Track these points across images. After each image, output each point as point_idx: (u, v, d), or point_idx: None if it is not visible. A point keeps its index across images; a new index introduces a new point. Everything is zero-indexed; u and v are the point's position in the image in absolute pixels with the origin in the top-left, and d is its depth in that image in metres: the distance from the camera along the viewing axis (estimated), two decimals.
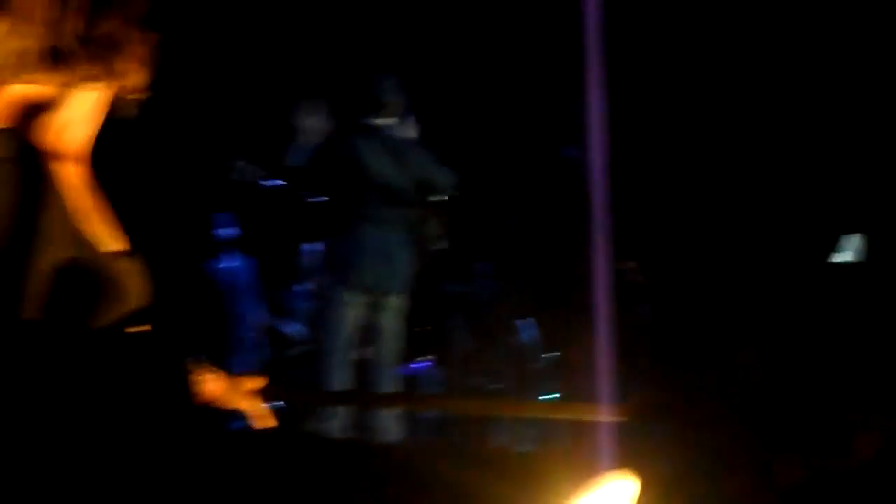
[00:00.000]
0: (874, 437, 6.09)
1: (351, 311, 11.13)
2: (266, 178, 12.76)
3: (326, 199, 11.41)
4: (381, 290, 11.16)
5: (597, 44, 10.61)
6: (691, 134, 12.79)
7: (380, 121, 11.16)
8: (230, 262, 13.69)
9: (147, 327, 3.48)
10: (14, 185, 3.19)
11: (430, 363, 14.32)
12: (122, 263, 3.44)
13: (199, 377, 3.33)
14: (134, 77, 3.42)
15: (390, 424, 10.97)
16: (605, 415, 6.21)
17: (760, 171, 11.69)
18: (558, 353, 13.93)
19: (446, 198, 11.49)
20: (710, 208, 10.59)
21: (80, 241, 3.33)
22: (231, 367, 12.59)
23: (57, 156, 3.34)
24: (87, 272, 3.34)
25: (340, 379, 11.00)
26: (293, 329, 14.32)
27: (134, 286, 3.47)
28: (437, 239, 11.51)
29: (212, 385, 3.84)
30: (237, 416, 4.06)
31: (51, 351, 2.91)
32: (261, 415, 4.13)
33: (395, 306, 11.34)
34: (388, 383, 11.38)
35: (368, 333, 11.34)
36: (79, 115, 3.40)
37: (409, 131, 11.52)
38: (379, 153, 11.01)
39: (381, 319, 11.28)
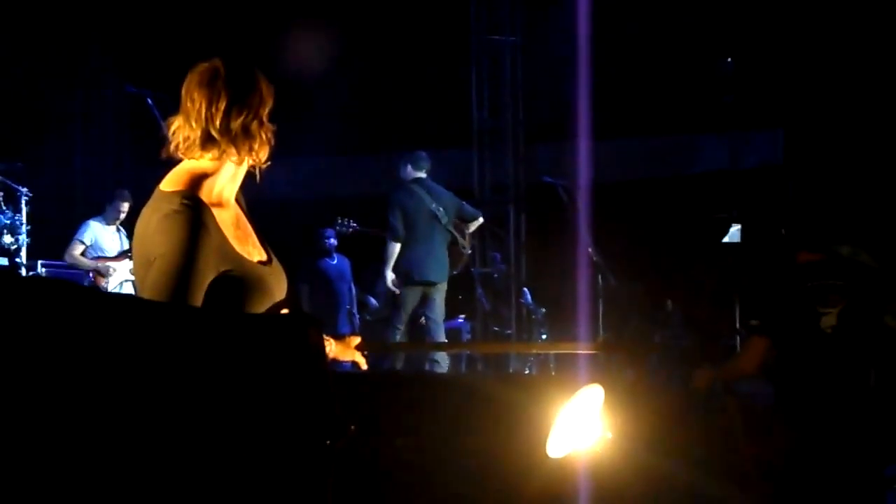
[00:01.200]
0: None
1: (410, 295, 11.07)
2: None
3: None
4: (432, 279, 10.94)
5: None
6: None
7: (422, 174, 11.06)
8: (335, 259, 13.54)
9: (286, 311, 3.74)
10: (183, 226, 3.44)
11: (462, 320, 14.39)
12: (266, 269, 3.70)
13: (323, 339, 3.20)
14: (262, 154, 3.70)
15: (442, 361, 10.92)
16: (582, 348, 6.40)
17: None
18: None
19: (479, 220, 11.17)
20: None
21: (234, 258, 3.58)
22: (340, 329, 12.73)
23: (214, 205, 3.61)
24: (240, 280, 3.56)
25: (403, 336, 11.02)
26: (373, 303, 14.29)
27: (276, 285, 3.74)
28: (467, 248, 11.09)
29: (330, 346, 3.98)
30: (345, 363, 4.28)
31: (216, 334, 2.78)
32: (360, 361, 4.37)
33: (441, 290, 11.00)
34: (441, 336, 11.27)
35: (424, 306, 11.05)
36: (226, 178, 3.68)
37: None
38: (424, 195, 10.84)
39: (434, 296, 11.00)
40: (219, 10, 15.12)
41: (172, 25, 15.01)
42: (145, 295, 3.49)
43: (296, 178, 15.50)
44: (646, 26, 14.51)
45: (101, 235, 11.31)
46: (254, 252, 3.72)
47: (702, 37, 14.39)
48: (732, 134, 15.00)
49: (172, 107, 3.73)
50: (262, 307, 3.63)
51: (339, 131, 15.96)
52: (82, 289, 2.34)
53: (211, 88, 3.62)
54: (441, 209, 10.77)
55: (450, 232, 10.85)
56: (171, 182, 3.61)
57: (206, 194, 3.60)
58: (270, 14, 15.12)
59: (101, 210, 11.51)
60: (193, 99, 3.63)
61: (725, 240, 10.42)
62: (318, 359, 2.68)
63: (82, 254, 11.18)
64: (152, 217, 3.54)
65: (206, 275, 3.50)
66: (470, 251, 11.10)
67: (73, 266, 11.22)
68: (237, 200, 3.80)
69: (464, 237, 10.97)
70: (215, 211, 3.60)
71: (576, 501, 4.16)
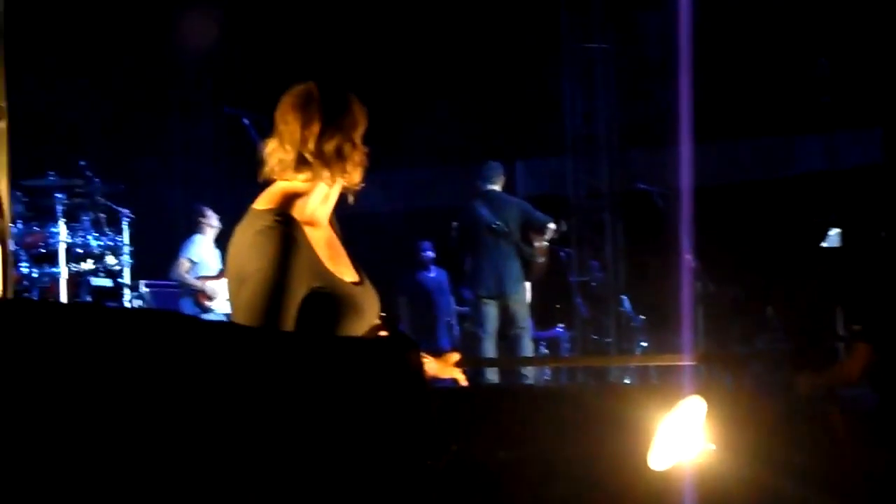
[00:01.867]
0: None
1: (485, 309, 10.98)
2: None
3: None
4: (503, 292, 10.86)
5: None
6: None
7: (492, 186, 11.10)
8: (433, 272, 13.59)
9: (384, 333, 3.77)
10: (275, 242, 3.49)
11: (561, 328, 14.37)
12: (358, 289, 3.72)
13: (423, 361, 3.20)
14: (355, 176, 3.73)
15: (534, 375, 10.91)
16: (682, 360, 6.37)
17: None
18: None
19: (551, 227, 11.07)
20: None
21: (325, 276, 3.61)
22: (439, 341, 12.75)
23: (306, 223, 3.64)
24: (331, 297, 3.60)
25: (493, 350, 11.02)
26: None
27: (368, 305, 3.77)
28: (538, 256, 11.00)
29: (429, 364, 3.96)
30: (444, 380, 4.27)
31: (317, 359, 2.86)
32: (459, 378, 4.32)
33: (517, 301, 10.93)
34: (528, 347, 11.21)
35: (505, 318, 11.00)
36: (319, 199, 3.71)
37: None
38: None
39: (512, 309, 10.95)
40: (315, 30, 15.23)
41: (269, 47, 15.16)
42: (239, 313, 3.55)
43: (391, 190, 15.56)
44: (739, 29, 14.39)
45: (204, 251, 11.45)
46: (346, 272, 3.75)
47: (797, 38, 14.24)
48: (830, 134, 14.83)
49: (268, 128, 3.77)
50: (354, 327, 3.65)
51: (434, 143, 16.01)
52: (186, 318, 2.36)
53: (305, 111, 3.67)
54: (501, 222, 10.72)
55: (515, 244, 10.78)
56: (265, 201, 3.67)
57: (298, 213, 3.64)
58: (366, 31, 15.20)
59: (196, 228, 11.66)
60: (287, 122, 3.69)
61: (824, 244, 10.29)
62: (419, 381, 2.69)
63: (188, 271, 11.32)
64: (245, 235, 3.61)
65: (298, 290, 3.53)
66: (542, 259, 10.98)
67: (180, 284, 11.35)
68: (330, 221, 3.84)
69: (532, 246, 10.87)
70: (307, 229, 3.63)
71: None
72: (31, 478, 1.97)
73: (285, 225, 3.56)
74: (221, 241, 11.16)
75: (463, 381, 4.29)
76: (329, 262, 3.67)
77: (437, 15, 15.36)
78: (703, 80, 12.98)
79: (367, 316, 3.72)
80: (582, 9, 14.62)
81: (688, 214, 10.99)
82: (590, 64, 14.72)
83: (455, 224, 11.14)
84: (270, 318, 3.46)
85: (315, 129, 3.66)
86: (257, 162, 3.73)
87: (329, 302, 3.61)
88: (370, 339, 3.57)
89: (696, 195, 11.45)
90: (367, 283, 3.80)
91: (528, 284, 11.03)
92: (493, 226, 10.76)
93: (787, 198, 14.17)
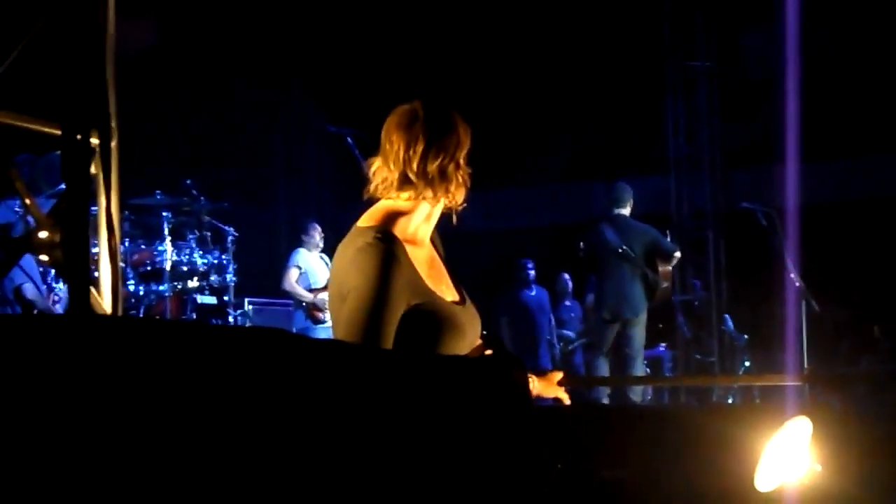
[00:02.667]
0: None
1: (605, 330, 11.07)
2: None
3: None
4: (624, 316, 10.90)
5: None
6: None
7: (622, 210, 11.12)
8: (534, 291, 13.60)
9: (489, 352, 3.77)
10: (376, 258, 3.50)
11: (664, 348, 14.28)
12: (459, 309, 3.74)
13: (528, 381, 3.30)
14: (458, 195, 3.74)
15: (641, 393, 10.93)
16: (788, 380, 6.29)
17: None
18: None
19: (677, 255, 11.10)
20: None
21: (426, 293, 3.62)
22: (541, 360, 12.76)
23: (408, 241, 3.65)
24: (432, 315, 3.62)
25: (606, 370, 11.04)
26: (567, 334, 14.34)
27: (470, 324, 3.77)
28: (661, 282, 10.99)
29: (533, 384, 3.93)
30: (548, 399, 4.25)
31: (423, 379, 2.82)
32: (563, 397, 4.31)
33: (636, 324, 10.95)
34: (640, 369, 11.27)
35: (622, 341, 11.06)
36: (421, 218, 3.73)
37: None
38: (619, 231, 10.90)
39: (629, 332, 10.97)
40: (421, 47, 15.30)
41: (375, 64, 15.25)
42: (340, 328, 3.58)
43: (494, 209, 15.59)
44: (843, 46, 14.24)
45: (311, 263, 11.51)
46: (447, 292, 3.75)
47: None
48: None
49: (372, 146, 3.79)
50: (455, 346, 3.66)
51: (536, 161, 16.02)
52: (289, 336, 2.37)
53: (409, 131, 3.68)
54: (627, 247, 10.71)
55: (640, 268, 10.77)
56: (367, 219, 3.70)
57: (400, 231, 3.66)
58: (473, 48, 15.25)
59: (300, 242, 11.73)
60: (392, 141, 3.70)
61: None
62: (524, 400, 2.68)
63: (297, 280, 11.38)
64: (347, 251, 3.63)
65: (398, 307, 3.54)
66: (666, 285, 10.96)
67: (291, 295, 11.41)
68: (433, 241, 3.85)
69: (656, 272, 10.84)
70: (409, 247, 3.64)
71: None
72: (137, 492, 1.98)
73: (386, 242, 3.58)
74: (328, 255, 11.23)
75: (566, 400, 4.27)
76: (430, 280, 3.68)
77: (543, 33, 15.37)
78: (808, 98, 12.87)
79: (469, 335, 3.73)
80: (685, 26, 14.55)
81: (794, 233, 10.87)
82: (693, 82, 14.64)
83: (581, 245, 11.19)
84: (370, 334, 3.48)
85: (419, 148, 3.67)
86: (361, 180, 3.76)
87: (429, 319, 3.62)
88: (475, 357, 3.57)
89: (803, 213, 11.33)
90: (469, 302, 3.80)
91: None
92: (620, 250, 10.75)
93: (894, 217, 13.97)
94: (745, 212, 11.30)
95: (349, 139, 8.74)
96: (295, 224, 12.15)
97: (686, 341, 14.06)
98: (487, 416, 2.58)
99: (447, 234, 3.95)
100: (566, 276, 14.61)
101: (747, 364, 13.69)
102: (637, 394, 10.74)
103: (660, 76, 14.69)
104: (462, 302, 3.79)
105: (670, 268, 10.96)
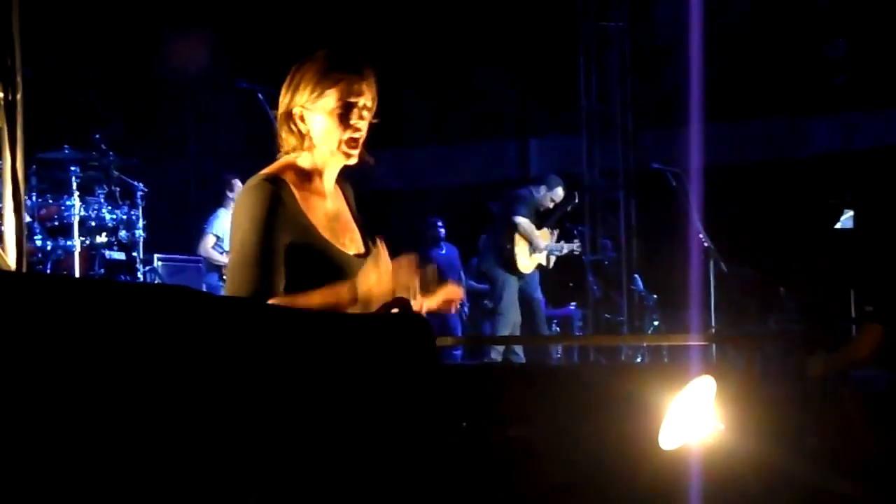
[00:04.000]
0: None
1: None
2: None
3: None
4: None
5: None
6: None
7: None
8: (444, 249, 13.58)
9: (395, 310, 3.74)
10: (258, 196, 3.52)
11: (574, 307, 14.38)
12: (357, 261, 3.69)
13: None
14: (349, 148, 3.68)
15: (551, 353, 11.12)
16: (693, 340, 6.37)
17: None
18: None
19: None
20: None
21: (311, 235, 3.60)
22: (450, 320, 12.81)
23: (302, 189, 3.65)
24: (318, 258, 3.61)
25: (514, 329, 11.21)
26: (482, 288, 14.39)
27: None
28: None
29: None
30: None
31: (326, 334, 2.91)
32: (452, 307, 4.05)
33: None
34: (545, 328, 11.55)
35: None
36: (309, 167, 3.72)
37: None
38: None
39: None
40: (329, 4, 15.18)
41: (285, 20, 15.12)
42: (229, 272, 3.58)
43: (402, 167, 15.55)
44: (755, 7, 14.35)
45: (227, 226, 11.35)
46: (350, 246, 3.72)
47: (812, 17, 14.19)
48: (845, 115, 14.77)
49: None
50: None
51: (447, 119, 15.99)
52: (195, 294, 2.36)
53: (286, 83, 3.68)
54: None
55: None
56: (264, 170, 3.69)
57: (291, 178, 3.63)
58: (378, 5, 15.16)
59: (220, 200, 11.57)
60: (282, 94, 3.68)
61: (838, 226, 10.24)
62: (429, 359, 2.69)
63: (213, 246, 11.26)
64: (238, 198, 3.64)
65: (279, 239, 3.52)
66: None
67: (207, 259, 11.29)
68: (345, 196, 3.82)
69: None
70: (302, 194, 3.62)
71: (688, 494, 4.13)
72: (34, 454, 1.96)
73: (269, 182, 3.57)
74: None
75: (454, 310, 4.18)
76: (327, 231, 3.65)
77: None
78: (717, 59, 12.95)
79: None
80: None
81: (697, 193, 10.98)
82: (605, 42, 14.68)
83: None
84: (254, 268, 3.48)
85: (284, 97, 3.69)
86: (272, 137, 3.73)
87: (315, 262, 3.59)
88: (380, 315, 3.50)
89: (710, 175, 11.43)
90: (379, 258, 3.71)
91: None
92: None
93: (801, 178, 14.13)
94: (656, 172, 11.39)
95: (260, 95, 8.66)
96: (222, 177, 11.90)
97: (596, 300, 14.17)
98: (390, 374, 2.57)
99: (361, 192, 3.94)
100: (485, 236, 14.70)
101: (656, 323, 13.83)
102: (499, 353, 10.93)
103: (573, 36, 14.70)
104: (365, 255, 3.75)
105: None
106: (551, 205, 11.48)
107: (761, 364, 6.12)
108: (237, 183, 11.49)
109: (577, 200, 11.82)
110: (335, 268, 3.60)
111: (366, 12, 15.04)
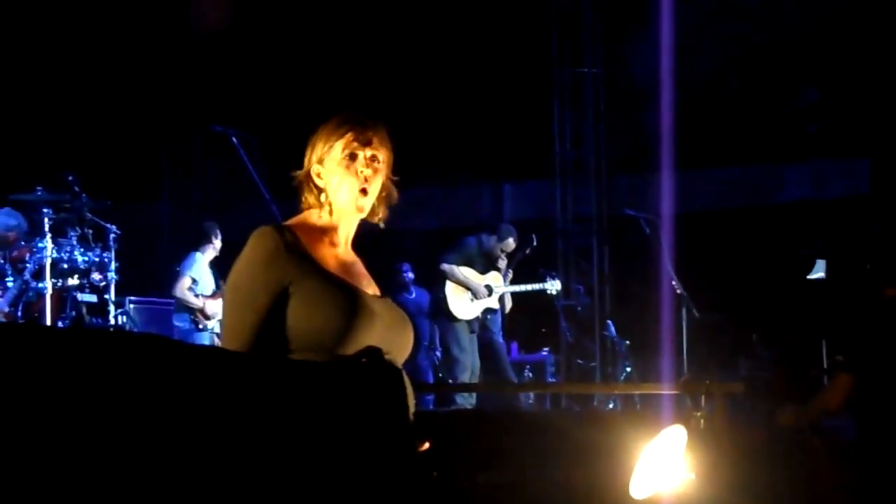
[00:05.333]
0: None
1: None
2: None
3: None
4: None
5: None
6: None
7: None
8: (413, 293, 13.53)
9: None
10: (258, 241, 3.49)
11: (546, 352, 14.38)
12: (373, 298, 3.72)
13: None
14: (338, 201, 3.71)
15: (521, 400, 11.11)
16: (663, 389, 6.38)
17: None
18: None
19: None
20: None
21: (318, 271, 3.55)
22: (419, 363, 12.79)
23: (315, 241, 3.64)
24: (330, 292, 3.52)
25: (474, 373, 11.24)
26: None
27: (387, 314, 3.72)
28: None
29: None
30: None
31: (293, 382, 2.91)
32: None
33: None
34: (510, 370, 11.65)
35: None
36: (320, 222, 3.72)
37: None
38: None
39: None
40: (305, 49, 15.21)
41: (264, 66, 15.15)
42: (224, 311, 3.58)
43: None
44: (728, 55, 14.44)
45: (203, 271, 11.27)
46: (367, 287, 3.73)
47: (785, 66, 14.30)
48: (817, 163, 14.87)
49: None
50: (369, 330, 3.56)
51: (421, 164, 15.99)
52: (165, 342, 2.36)
53: (312, 143, 3.73)
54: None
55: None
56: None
57: (302, 229, 3.63)
58: (352, 51, 15.19)
59: (198, 244, 11.42)
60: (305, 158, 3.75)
61: (811, 276, 10.32)
62: (398, 407, 2.69)
63: (188, 288, 11.13)
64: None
65: (277, 280, 3.48)
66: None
67: (179, 300, 11.17)
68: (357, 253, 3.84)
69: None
70: (313, 243, 3.61)
71: None
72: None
73: (273, 228, 3.56)
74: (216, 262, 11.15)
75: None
76: (340, 272, 3.64)
77: (432, 36, 15.35)
78: (691, 107, 13.03)
79: (383, 324, 3.67)
80: (573, 33, 14.67)
81: (669, 240, 11.02)
82: (579, 88, 14.77)
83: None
84: (244, 313, 3.46)
85: (312, 156, 3.72)
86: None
87: (328, 293, 3.53)
88: (349, 362, 3.47)
89: (682, 222, 11.49)
90: (392, 303, 3.82)
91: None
92: None
93: (774, 226, 14.20)
94: (629, 218, 11.43)
95: (234, 139, 8.66)
96: (204, 224, 11.78)
97: (568, 346, 14.18)
98: (361, 423, 2.56)
99: None
100: None
101: (629, 369, 13.82)
102: (464, 399, 10.90)
103: (547, 82, 14.78)
104: (383, 298, 3.77)
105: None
106: (502, 255, 11.47)
107: (732, 412, 6.15)
108: (218, 232, 11.42)
109: (535, 244, 11.82)
110: (352, 301, 3.55)
111: (340, 56, 15.07)
